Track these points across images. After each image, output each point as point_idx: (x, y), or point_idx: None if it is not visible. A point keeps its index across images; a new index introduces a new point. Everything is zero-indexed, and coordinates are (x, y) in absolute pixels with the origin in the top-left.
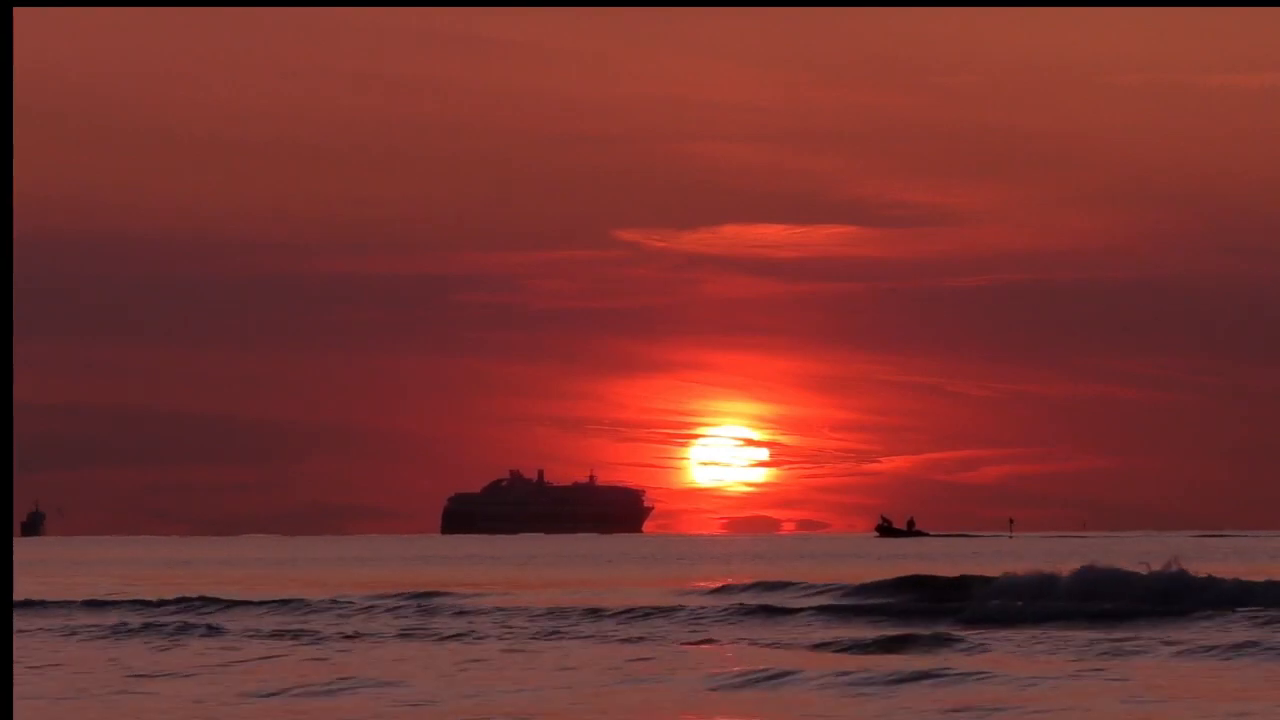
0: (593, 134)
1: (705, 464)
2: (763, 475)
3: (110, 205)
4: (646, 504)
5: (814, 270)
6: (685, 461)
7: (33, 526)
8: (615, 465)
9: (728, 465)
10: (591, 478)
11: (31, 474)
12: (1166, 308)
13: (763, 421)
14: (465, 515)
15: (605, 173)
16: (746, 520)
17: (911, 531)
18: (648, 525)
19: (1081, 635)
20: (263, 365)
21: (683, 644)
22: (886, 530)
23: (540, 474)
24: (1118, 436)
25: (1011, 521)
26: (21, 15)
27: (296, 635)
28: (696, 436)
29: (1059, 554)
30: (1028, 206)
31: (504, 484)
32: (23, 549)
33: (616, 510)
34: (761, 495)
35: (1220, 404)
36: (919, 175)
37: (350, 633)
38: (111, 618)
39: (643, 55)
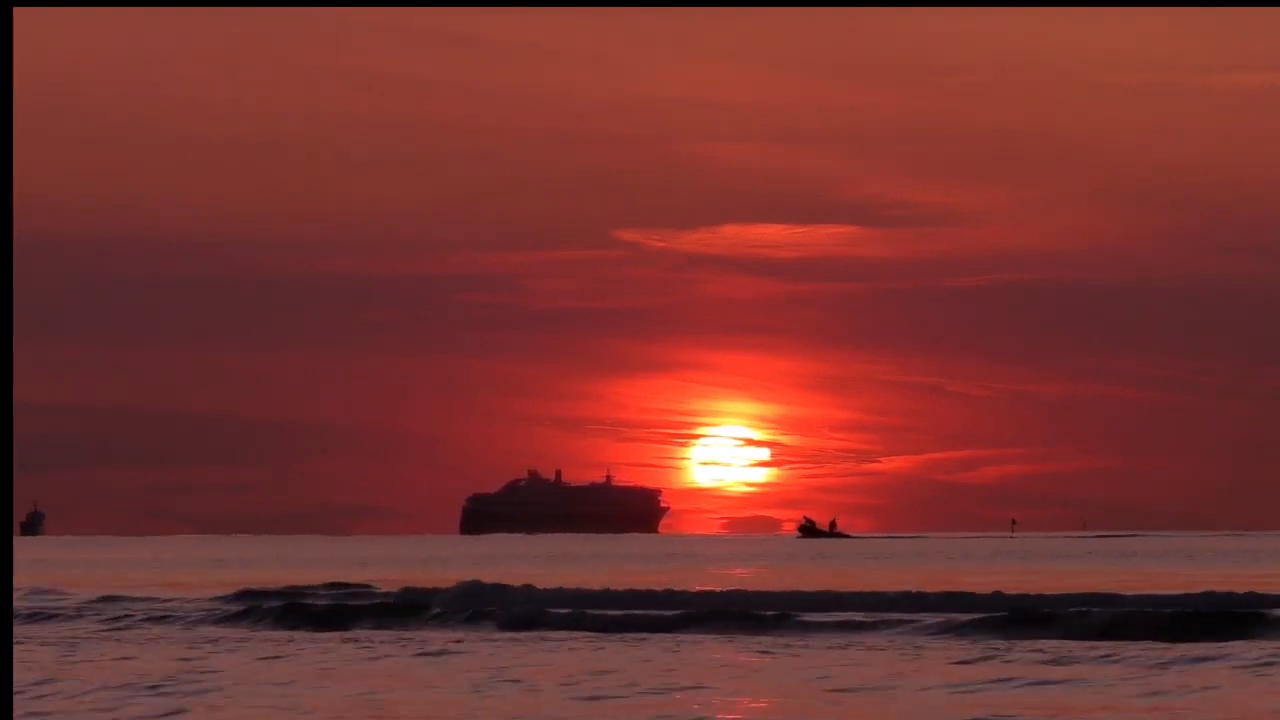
0: (593, 134)
1: (706, 464)
2: (763, 475)
3: (110, 205)
4: (662, 504)
5: (814, 270)
6: (686, 461)
7: (32, 526)
8: (615, 465)
9: (728, 465)
10: (609, 478)
11: (31, 474)
12: (1166, 307)
13: (763, 421)
14: (483, 515)
15: (605, 173)
16: (747, 520)
17: (833, 533)
18: (661, 525)
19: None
20: (263, 365)
21: None
22: (809, 531)
23: (558, 474)
24: (1118, 436)
25: (1014, 522)
26: (21, 15)
27: None
28: (697, 437)
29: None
30: (1028, 206)
31: (522, 484)
32: (19, 549)
33: (632, 510)
34: (762, 495)
35: (1219, 404)
36: (919, 175)
37: None
38: None
39: (643, 55)
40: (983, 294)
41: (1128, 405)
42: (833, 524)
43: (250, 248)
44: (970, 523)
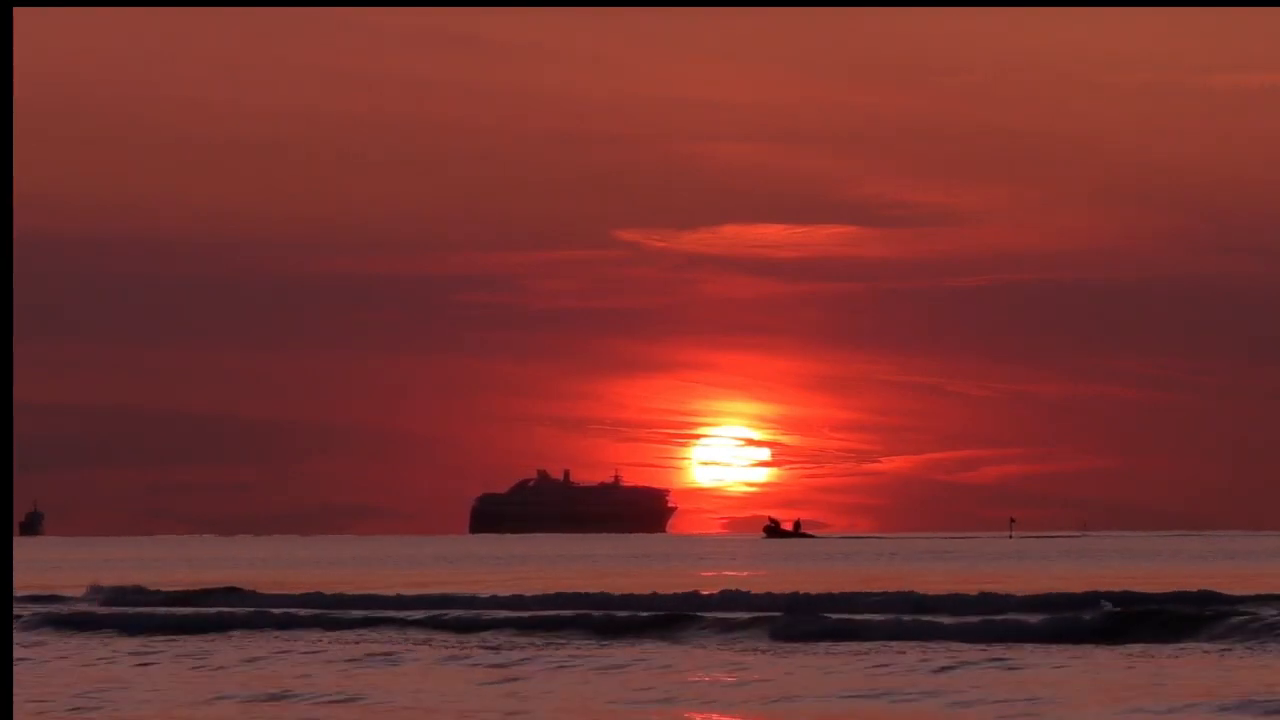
0: (593, 134)
1: (706, 464)
2: (764, 475)
3: (110, 205)
4: (669, 504)
5: (814, 270)
6: (686, 461)
7: (31, 526)
8: (619, 465)
9: (729, 465)
10: (616, 478)
11: (31, 474)
12: (1167, 307)
13: (763, 421)
14: (493, 515)
15: (605, 173)
16: (747, 520)
17: (797, 533)
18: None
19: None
20: (263, 365)
21: None
22: (774, 532)
23: (566, 474)
24: (1118, 436)
25: (1012, 521)
26: (21, 15)
27: None
28: (697, 437)
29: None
30: (1028, 206)
31: (530, 484)
32: (17, 549)
33: (640, 510)
34: (763, 495)
35: (1219, 404)
36: (919, 175)
37: None
38: None
39: (643, 55)
40: (983, 294)
41: (1128, 405)
42: (797, 525)
43: (250, 248)
44: (970, 523)
